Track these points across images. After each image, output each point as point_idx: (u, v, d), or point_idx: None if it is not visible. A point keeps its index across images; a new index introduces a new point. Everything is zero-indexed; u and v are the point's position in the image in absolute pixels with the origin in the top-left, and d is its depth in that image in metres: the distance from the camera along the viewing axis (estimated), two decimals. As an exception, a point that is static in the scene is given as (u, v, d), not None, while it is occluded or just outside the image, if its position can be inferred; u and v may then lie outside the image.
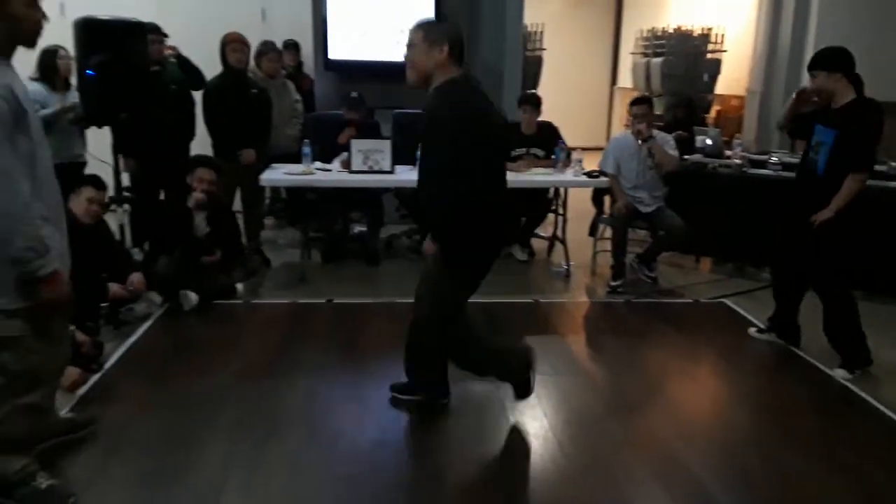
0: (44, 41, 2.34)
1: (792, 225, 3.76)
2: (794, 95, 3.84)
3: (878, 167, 4.86)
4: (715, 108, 8.97)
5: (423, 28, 2.80)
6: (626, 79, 11.20)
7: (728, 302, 4.84)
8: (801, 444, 3.04)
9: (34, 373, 2.32)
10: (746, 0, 8.64)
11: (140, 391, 3.37)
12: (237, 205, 5.24)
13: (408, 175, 4.83)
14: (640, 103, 5.09)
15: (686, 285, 5.21)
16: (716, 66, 8.65)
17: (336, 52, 6.37)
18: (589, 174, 5.26)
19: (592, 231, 5.67)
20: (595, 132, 11.76)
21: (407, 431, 3.17)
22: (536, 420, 3.19)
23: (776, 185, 5.02)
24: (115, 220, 4.66)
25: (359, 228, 5.89)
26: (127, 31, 4.48)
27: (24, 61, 2.28)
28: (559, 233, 5.68)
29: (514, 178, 5.07)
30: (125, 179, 5.01)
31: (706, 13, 9.25)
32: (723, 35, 8.73)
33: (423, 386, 3.26)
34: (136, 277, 4.04)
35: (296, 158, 5.14)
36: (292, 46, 6.51)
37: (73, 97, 4.76)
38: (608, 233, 5.31)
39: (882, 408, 3.37)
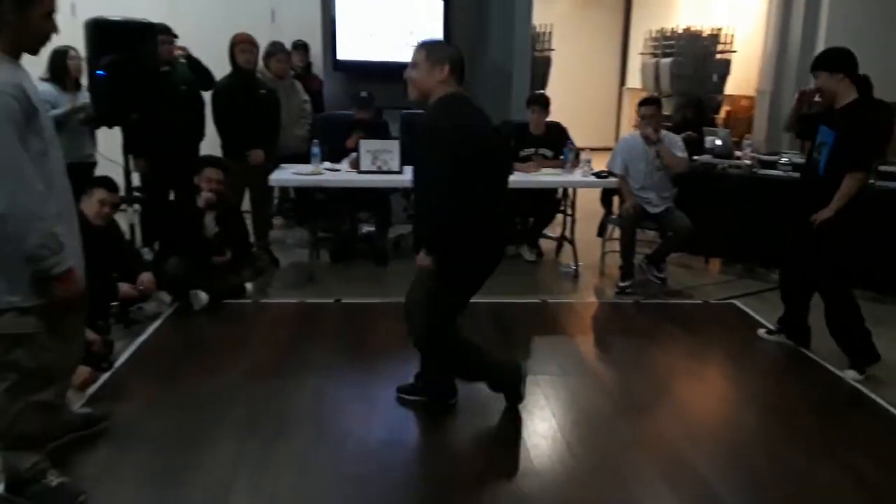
0: (55, 41, 2.36)
1: (796, 225, 3.76)
2: (796, 96, 3.85)
3: (888, 168, 4.85)
4: (725, 109, 8.94)
5: (425, 48, 2.86)
6: (634, 79, 11.17)
7: (737, 303, 4.82)
8: (810, 445, 3.03)
9: (48, 370, 2.34)
10: (756, 0, 8.61)
11: (150, 390, 3.39)
12: (246, 205, 5.26)
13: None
14: (649, 104, 5.08)
15: (695, 286, 5.20)
16: (725, 66, 8.61)
17: (345, 52, 6.38)
18: (597, 174, 5.25)
19: (601, 231, 5.66)
20: (604, 132, 11.73)
21: (415, 431, 3.18)
22: (545, 420, 3.19)
23: (786, 185, 4.99)
24: (126, 219, 4.68)
25: (367, 228, 5.91)
26: (137, 31, 4.50)
27: (35, 62, 2.30)
28: (567, 233, 5.68)
29: (523, 178, 5.11)
30: (135, 179, 5.04)
31: (716, 13, 9.21)
32: (732, 35, 8.69)
33: (429, 387, 3.27)
34: (146, 277, 4.06)
35: (304, 159, 5.16)
36: (301, 47, 6.52)
37: (84, 97, 4.79)
38: (617, 233, 5.30)
39: (892, 409, 3.35)
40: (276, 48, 5.58)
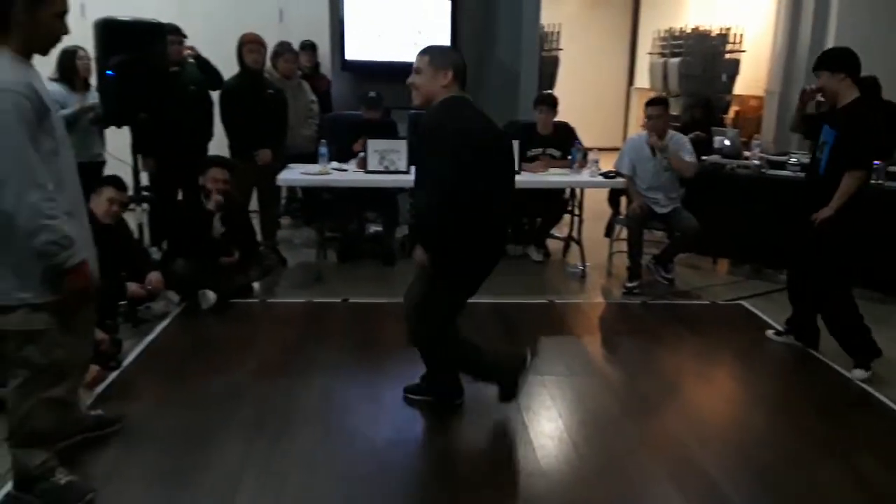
0: (64, 41, 2.37)
1: (799, 225, 3.77)
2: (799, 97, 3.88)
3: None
4: (733, 109, 8.91)
5: (429, 53, 2.88)
6: (643, 79, 11.14)
7: (745, 304, 4.81)
8: (818, 446, 3.02)
9: (59, 367, 2.36)
10: (765, 0, 8.58)
11: (157, 389, 3.40)
12: (254, 204, 5.27)
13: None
14: (656, 104, 5.06)
15: (703, 287, 5.18)
16: (734, 66, 8.59)
17: (353, 52, 6.40)
18: (605, 175, 5.24)
19: (608, 232, 5.65)
20: (612, 132, 11.71)
21: (421, 431, 3.18)
22: (551, 421, 3.18)
23: (795, 186, 4.96)
24: (134, 219, 4.70)
25: (374, 228, 5.91)
26: (147, 32, 4.51)
27: (44, 62, 2.31)
28: (575, 233, 5.67)
29: (531, 178, 5.10)
30: (144, 179, 5.05)
31: (724, 13, 9.18)
32: (741, 35, 8.66)
33: (436, 387, 3.27)
34: (154, 276, 4.08)
35: (311, 158, 5.17)
36: (309, 47, 6.54)
37: (93, 97, 4.81)
38: (624, 233, 5.29)
39: (901, 411, 3.34)
40: (283, 48, 5.60)
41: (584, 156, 5.39)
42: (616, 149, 6.09)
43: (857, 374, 3.65)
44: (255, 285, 4.75)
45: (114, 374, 3.46)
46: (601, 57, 12.24)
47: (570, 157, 5.40)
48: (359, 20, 6.35)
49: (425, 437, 3.15)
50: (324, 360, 3.78)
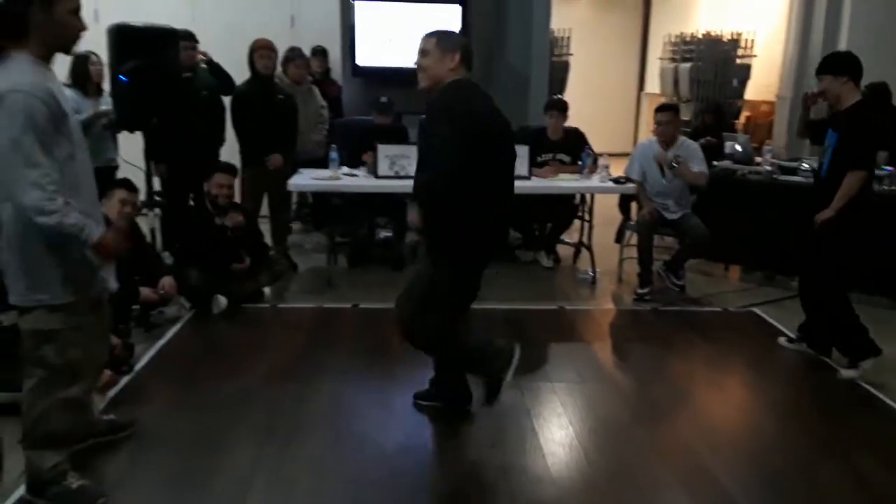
0: (77, 47, 2.39)
1: (803, 228, 3.77)
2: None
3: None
4: (744, 114, 8.88)
5: (436, 36, 2.87)
6: (653, 84, 11.11)
7: (757, 311, 4.78)
8: (830, 454, 3.00)
9: (74, 367, 2.38)
10: (777, 5, 8.55)
11: (169, 393, 3.42)
12: (264, 209, 5.29)
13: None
14: (665, 110, 5.05)
15: (714, 293, 5.16)
16: (745, 71, 8.56)
17: (363, 58, 6.42)
18: (615, 180, 5.23)
19: (619, 237, 5.64)
20: (622, 138, 11.69)
21: (431, 437, 3.18)
22: (562, 428, 3.18)
23: (806, 192, 4.93)
24: (147, 223, 4.73)
25: (385, 233, 5.92)
26: (160, 37, 4.54)
27: (56, 67, 2.33)
28: (585, 239, 5.66)
29: (541, 183, 5.10)
30: (156, 184, 5.08)
31: (736, 18, 9.15)
32: (753, 40, 8.63)
33: (445, 392, 3.27)
34: (166, 281, 4.10)
35: (321, 164, 5.18)
36: (320, 53, 6.57)
37: (106, 103, 4.84)
38: (635, 239, 5.27)
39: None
40: (294, 54, 5.61)
41: (595, 161, 5.39)
42: (626, 154, 6.08)
43: (849, 373, 3.68)
44: (266, 290, 4.77)
45: (126, 379, 3.48)
46: (611, 62, 12.22)
47: (580, 163, 5.40)
48: (369, 26, 6.37)
49: (435, 442, 3.15)
50: (334, 365, 3.78)
